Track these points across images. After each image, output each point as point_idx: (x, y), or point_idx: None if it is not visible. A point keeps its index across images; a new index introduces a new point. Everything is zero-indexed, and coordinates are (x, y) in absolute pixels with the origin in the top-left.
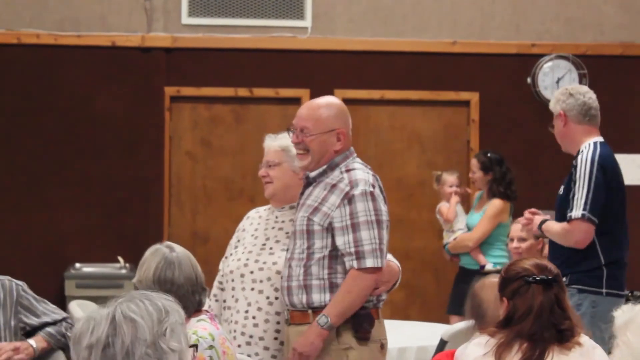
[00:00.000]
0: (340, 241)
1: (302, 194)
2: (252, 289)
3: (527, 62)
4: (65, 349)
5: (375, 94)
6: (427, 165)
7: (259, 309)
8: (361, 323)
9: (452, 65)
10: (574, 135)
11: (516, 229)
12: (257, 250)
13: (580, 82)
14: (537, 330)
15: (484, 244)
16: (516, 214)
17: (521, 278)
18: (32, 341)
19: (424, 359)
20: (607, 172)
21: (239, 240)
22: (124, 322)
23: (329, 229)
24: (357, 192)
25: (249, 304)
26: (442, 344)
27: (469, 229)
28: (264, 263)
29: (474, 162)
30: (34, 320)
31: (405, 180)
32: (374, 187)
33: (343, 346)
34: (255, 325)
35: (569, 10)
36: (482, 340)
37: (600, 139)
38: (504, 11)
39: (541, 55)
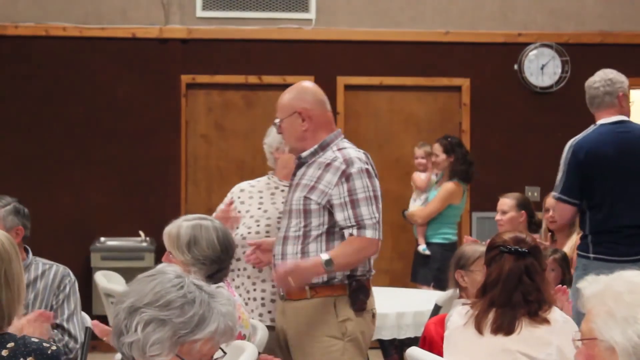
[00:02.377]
0: (340, 217)
1: (294, 174)
2: None
3: (514, 50)
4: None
5: (375, 80)
6: None
7: None
8: (358, 295)
9: (445, 53)
10: (595, 120)
11: (500, 203)
12: (275, 223)
13: (563, 69)
14: (506, 298)
15: (434, 222)
16: (500, 189)
17: (497, 247)
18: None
19: (420, 322)
20: (579, 155)
21: (239, 211)
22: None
23: (326, 207)
24: (354, 170)
25: None
26: (437, 309)
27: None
28: None
29: (436, 147)
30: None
31: (403, 160)
32: (367, 164)
33: (341, 318)
34: None
35: (552, 2)
36: (463, 310)
37: (603, 120)
38: (492, 3)
39: (527, 44)
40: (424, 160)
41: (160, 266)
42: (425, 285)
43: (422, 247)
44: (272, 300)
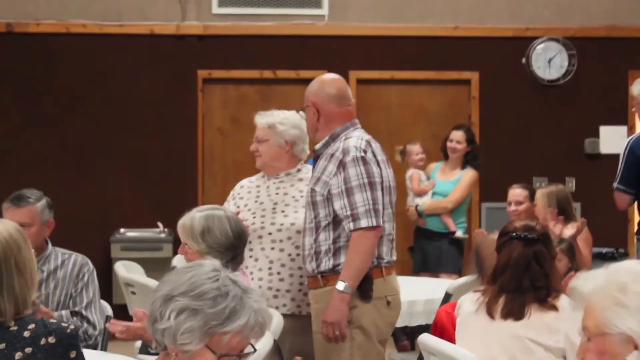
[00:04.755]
0: (337, 206)
1: (313, 167)
2: (272, 248)
3: (522, 44)
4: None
5: (386, 74)
6: (433, 137)
7: (283, 265)
8: (360, 283)
9: (454, 47)
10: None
11: (514, 194)
12: (270, 214)
13: (570, 62)
14: (515, 284)
15: (454, 211)
16: (509, 180)
17: (507, 234)
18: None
19: (430, 310)
20: (636, 151)
21: (238, 207)
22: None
23: (328, 197)
24: (348, 158)
25: (271, 262)
26: (447, 297)
27: (436, 195)
28: (282, 224)
29: (459, 134)
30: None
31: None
32: (365, 152)
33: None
34: (281, 280)
35: None
36: (474, 297)
37: None
38: None
39: (534, 38)
40: (424, 155)
41: (198, 260)
42: (454, 274)
43: (461, 232)
44: (288, 291)
